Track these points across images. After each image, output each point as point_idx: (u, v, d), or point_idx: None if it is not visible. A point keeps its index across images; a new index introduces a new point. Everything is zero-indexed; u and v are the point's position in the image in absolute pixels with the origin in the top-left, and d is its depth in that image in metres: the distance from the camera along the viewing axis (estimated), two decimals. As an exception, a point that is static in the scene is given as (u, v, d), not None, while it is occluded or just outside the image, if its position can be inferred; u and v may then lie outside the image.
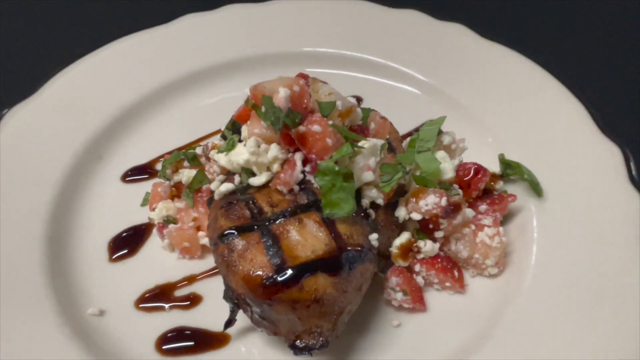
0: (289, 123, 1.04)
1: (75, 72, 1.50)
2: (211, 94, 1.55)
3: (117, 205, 1.31)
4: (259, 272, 0.95)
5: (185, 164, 1.30)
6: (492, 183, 1.25)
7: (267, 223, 1.01)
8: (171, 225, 1.20)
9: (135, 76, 1.52)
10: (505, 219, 1.21)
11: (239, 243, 0.99)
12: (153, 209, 1.25)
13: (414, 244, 1.15)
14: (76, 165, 1.34)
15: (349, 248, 0.99)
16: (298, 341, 0.98)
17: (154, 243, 1.24)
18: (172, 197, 1.27)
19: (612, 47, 1.71)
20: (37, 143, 1.34)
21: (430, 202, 1.10)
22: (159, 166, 1.39)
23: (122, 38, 1.58)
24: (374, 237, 1.05)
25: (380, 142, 1.11)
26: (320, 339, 0.98)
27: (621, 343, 0.98)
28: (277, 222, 1.00)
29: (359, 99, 1.53)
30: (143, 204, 1.29)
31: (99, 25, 1.80)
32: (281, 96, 1.02)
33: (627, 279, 1.06)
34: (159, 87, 1.51)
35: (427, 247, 1.14)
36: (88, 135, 1.39)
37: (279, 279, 0.94)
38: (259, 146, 1.07)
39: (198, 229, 1.21)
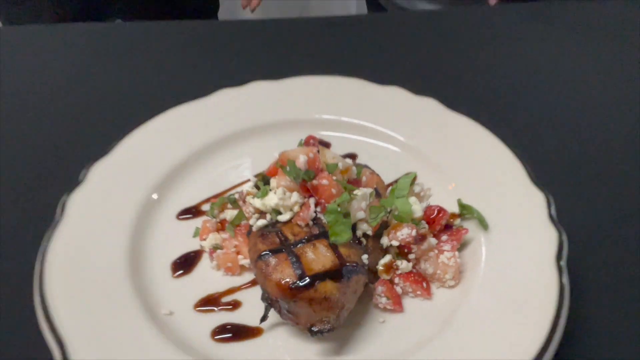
0: (306, 178, 1.25)
1: (138, 135, 1.74)
2: (241, 152, 1.79)
3: (175, 237, 1.53)
4: (287, 280, 1.14)
5: (228, 205, 1.54)
6: (451, 220, 1.40)
7: (291, 246, 1.19)
8: (218, 251, 1.44)
9: (183, 138, 1.76)
10: (461, 246, 1.37)
11: (272, 260, 1.18)
12: (204, 239, 1.50)
13: (394, 263, 1.29)
14: (142, 208, 1.57)
15: (347, 264, 1.17)
16: (313, 327, 1.16)
17: (204, 265, 1.47)
18: (218, 230, 1.45)
19: (550, 116, 1.97)
20: (114, 190, 1.58)
21: (405, 233, 1.27)
22: (204, 207, 1.63)
23: (173, 108, 1.84)
24: (365, 257, 1.22)
25: (369, 190, 1.29)
26: (329, 325, 1.16)
27: (530, 341, 1.15)
28: (298, 246, 1.20)
29: (354, 156, 1.77)
30: (194, 236, 1.53)
31: (155, 96, 2.08)
32: (301, 161, 1.25)
33: (544, 292, 1.22)
34: (202, 147, 1.75)
35: (404, 265, 1.29)
36: (150, 184, 1.63)
37: (301, 284, 1.13)
38: (284, 194, 1.26)
39: (238, 253, 1.38)
